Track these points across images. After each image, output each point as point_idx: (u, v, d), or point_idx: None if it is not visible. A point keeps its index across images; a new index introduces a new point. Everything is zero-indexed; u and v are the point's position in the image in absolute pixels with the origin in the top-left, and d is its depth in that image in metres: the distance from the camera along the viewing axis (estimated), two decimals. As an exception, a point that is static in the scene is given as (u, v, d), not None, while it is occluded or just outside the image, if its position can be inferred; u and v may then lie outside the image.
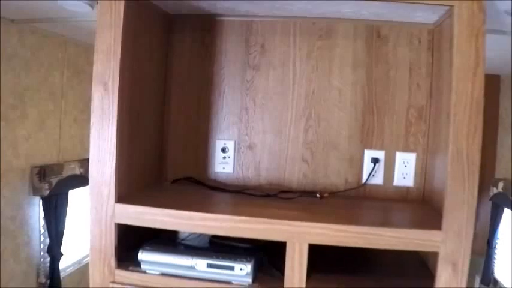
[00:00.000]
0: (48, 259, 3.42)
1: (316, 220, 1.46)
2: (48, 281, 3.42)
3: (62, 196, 3.43)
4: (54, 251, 3.38)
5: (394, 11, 1.73)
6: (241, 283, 1.50)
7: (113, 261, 1.57)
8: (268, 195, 1.82)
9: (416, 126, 1.90)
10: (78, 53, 3.69)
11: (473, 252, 4.05)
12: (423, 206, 1.81)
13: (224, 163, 1.99)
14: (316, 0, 1.66)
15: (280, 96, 1.95)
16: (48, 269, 3.43)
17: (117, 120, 1.53)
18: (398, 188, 1.93)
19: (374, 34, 1.90)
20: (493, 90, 4.18)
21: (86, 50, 3.73)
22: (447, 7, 1.49)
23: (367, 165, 1.92)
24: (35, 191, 3.23)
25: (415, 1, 1.50)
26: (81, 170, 3.58)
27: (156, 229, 1.55)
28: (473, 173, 1.41)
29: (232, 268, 1.48)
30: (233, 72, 1.98)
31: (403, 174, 1.91)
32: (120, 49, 1.51)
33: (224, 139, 2.00)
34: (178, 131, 2.03)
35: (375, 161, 1.91)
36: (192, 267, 1.51)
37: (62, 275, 3.54)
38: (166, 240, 1.65)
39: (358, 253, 1.80)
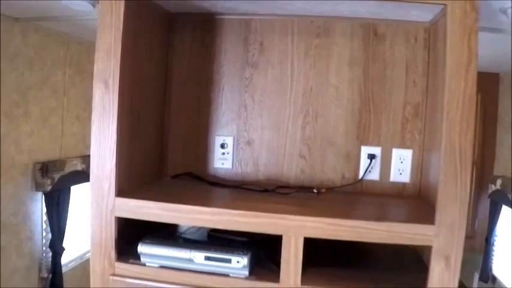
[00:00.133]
0: (50, 254, 3.46)
1: (311, 214, 1.49)
2: (50, 276, 3.46)
3: (64, 192, 3.47)
4: (56, 246, 3.41)
5: (390, 9, 1.76)
6: (238, 275, 1.53)
7: (113, 254, 1.60)
8: (266, 191, 1.85)
9: (412, 123, 1.93)
10: (80, 51, 3.72)
11: (472, 249, 4.10)
12: (419, 202, 1.84)
13: (223, 159, 2.02)
14: (314, 0, 1.69)
15: (279, 93, 1.98)
16: (50, 263, 3.46)
17: (118, 118, 1.56)
18: (394, 183, 1.96)
19: (371, 32, 1.93)
20: (492, 89, 4.20)
21: (89, 48, 3.76)
22: (442, 6, 1.51)
23: (364, 161, 1.95)
24: (38, 187, 3.26)
25: (409, 0, 1.52)
26: (83, 166, 3.62)
27: (156, 223, 1.59)
28: (465, 169, 1.43)
29: (229, 261, 1.51)
30: (232, 70, 2.01)
31: (399, 170, 1.94)
32: (120, 48, 1.54)
33: (223, 135, 2.03)
34: (178, 128, 2.06)
35: (371, 157, 1.94)
36: (190, 260, 1.54)
37: (63, 269, 3.57)
38: (165, 234, 1.68)
39: (355, 248, 1.84)
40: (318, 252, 1.71)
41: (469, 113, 1.42)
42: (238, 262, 1.51)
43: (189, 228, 1.78)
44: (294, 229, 1.48)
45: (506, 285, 4.20)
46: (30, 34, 3.13)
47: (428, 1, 1.49)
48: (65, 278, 3.56)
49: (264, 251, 1.63)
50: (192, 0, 1.81)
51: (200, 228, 1.76)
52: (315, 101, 1.96)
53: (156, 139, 2.00)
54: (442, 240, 1.44)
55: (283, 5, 1.78)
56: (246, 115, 2.01)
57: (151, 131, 1.94)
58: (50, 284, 3.46)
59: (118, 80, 1.55)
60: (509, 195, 3.69)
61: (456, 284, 1.47)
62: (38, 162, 3.27)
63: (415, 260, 1.78)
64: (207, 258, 1.53)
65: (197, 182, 1.98)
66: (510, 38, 2.49)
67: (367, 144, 1.95)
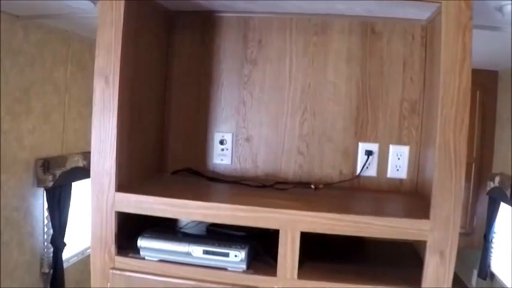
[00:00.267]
0: (52, 249, 3.48)
1: (308, 209, 1.52)
2: (52, 271, 3.48)
3: (66, 188, 3.49)
4: (57, 242, 3.43)
5: (386, 7, 1.78)
6: (235, 269, 1.55)
7: (113, 248, 1.63)
8: (264, 186, 1.87)
9: (409, 119, 1.95)
10: (82, 48, 3.74)
11: (471, 246, 4.11)
12: (415, 197, 1.86)
13: (222, 155, 2.05)
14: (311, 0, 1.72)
15: (277, 90, 2.00)
16: (51, 259, 3.49)
17: (118, 113, 1.59)
18: (391, 179, 1.98)
19: (368, 30, 1.95)
20: (491, 86, 4.22)
21: (90, 46, 3.77)
22: (438, 4, 1.53)
23: (361, 158, 1.97)
24: (39, 183, 3.28)
25: (405, -2, 1.55)
26: (85, 163, 3.64)
27: (156, 218, 1.61)
28: (460, 164, 1.45)
29: (227, 255, 1.54)
30: (231, 66, 2.03)
31: (396, 166, 1.96)
32: (120, 45, 1.57)
33: (222, 131, 2.05)
34: (178, 124, 2.08)
35: (368, 153, 1.96)
36: (189, 254, 1.56)
37: (65, 265, 3.59)
38: (165, 229, 1.70)
39: (352, 244, 1.86)
40: (315, 246, 1.73)
41: (463, 110, 1.44)
42: (236, 256, 1.53)
43: (188, 222, 1.81)
44: (290, 223, 1.50)
45: (505, 282, 4.22)
46: (32, 31, 3.15)
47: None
48: (66, 273, 3.59)
49: (261, 245, 1.65)
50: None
51: (199, 223, 1.79)
52: (313, 97, 1.98)
53: (156, 135, 2.02)
54: (436, 235, 1.47)
55: (280, 3, 1.81)
56: (245, 112, 2.03)
57: (151, 127, 1.97)
58: (51, 279, 3.48)
59: (118, 76, 1.57)
60: (508, 193, 3.71)
61: (451, 278, 1.50)
62: (39, 159, 3.29)
63: (411, 255, 1.80)
64: (206, 252, 1.56)
65: (196, 178, 2.00)
66: (508, 35, 2.50)
67: (364, 140, 1.97)
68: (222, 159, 2.05)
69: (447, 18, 1.44)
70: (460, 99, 1.44)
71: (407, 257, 1.80)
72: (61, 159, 3.45)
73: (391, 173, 1.97)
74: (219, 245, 1.56)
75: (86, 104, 3.77)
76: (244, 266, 1.55)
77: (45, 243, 3.49)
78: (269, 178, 2.01)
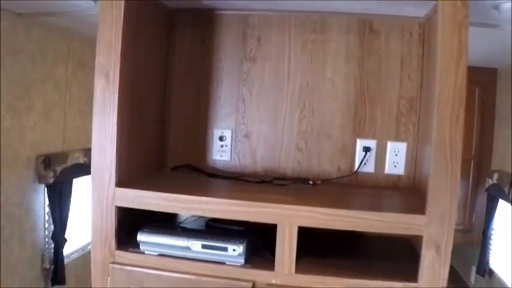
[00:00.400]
0: (53, 245, 3.50)
1: (306, 204, 1.54)
2: (53, 267, 3.50)
3: (66, 184, 3.51)
4: (58, 238, 3.45)
5: (384, 5, 1.80)
6: (234, 263, 1.58)
7: (113, 242, 1.65)
8: (263, 182, 1.89)
9: (407, 116, 1.97)
10: (83, 46, 3.75)
11: (470, 242, 4.13)
12: (413, 193, 1.88)
13: (222, 151, 2.07)
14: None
15: (276, 87, 2.02)
16: (52, 254, 3.51)
17: (118, 110, 1.60)
18: (389, 176, 2.00)
19: (366, 28, 1.97)
20: (490, 84, 4.22)
21: (91, 43, 3.76)
22: (435, 2, 1.54)
23: (359, 154, 1.99)
24: (40, 179, 3.30)
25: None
26: (85, 159, 3.66)
27: (156, 213, 1.63)
28: (456, 160, 1.47)
29: (225, 249, 1.56)
30: (230, 64, 2.05)
31: (394, 162, 1.98)
32: (120, 42, 1.59)
33: (222, 128, 2.07)
34: (178, 121, 2.10)
35: (366, 149, 1.98)
36: (188, 248, 1.58)
37: (66, 261, 3.61)
38: (164, 224, 1.72)
39: (350, 240, 1.88)
40: (312, 241, 1.75)
41: (459, 106, 1.46)
42: (234, 250, 1.55)
43: (188, 217, 1.83)
44: (288, 218, 1.52)
45: (503, 279, 4.24)
46: (34, 29, 3.17)
47: (420, -3, 1.53)
48: (66, 269, 3.60)
49: (260, 240, 1.67)
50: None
51: (198, 218, 1.81)
52: (312, 95, 2.00)
53: (156, 132, 2.04)
54: (432, 230, 1.49)
55: (279, 2, 1.83)
56: (244, 108, 2.05)
57: (151, 124, 1.99)
58: (52, 275, 3.50)
59: (118, 74, 1.59)
60: (506, 189, 3.72)
61: (446, 272, 1.52)
62: (40, 155, 3.30)
63: (408, 250, 1.81)
64: (204, 247, 1.58)
65: (196, 174, 2.02)
66: (506, 33, 2.51)
67: (362, 137, 1.99)
68: (221, 156, 2.07)
69: (443, 17, 1.46)
70: (456, 96, 1.45)
71: (405, 252, 1.81)
72: (62, 156, 3.47)
73: (388, 169, 1.99)
74: (218, 240, 1.58)
75: (86, 101, 3.79)
76: (242, 261, 1.57)
77: (46, 239, 3.51)
78: (268, 174, 2.03)
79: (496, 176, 3.98)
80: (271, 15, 2.00)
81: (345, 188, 1.96)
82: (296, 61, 2.00)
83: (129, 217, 1.70)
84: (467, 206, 4.35)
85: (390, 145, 1.98)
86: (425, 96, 1.85)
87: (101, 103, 1.61)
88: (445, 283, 1.52)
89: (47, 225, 3.51)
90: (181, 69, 2.09)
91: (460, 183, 4.00)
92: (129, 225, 1.70)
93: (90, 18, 2.92)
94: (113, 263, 1.65)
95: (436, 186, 1.48)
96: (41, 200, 3.42)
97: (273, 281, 1.55)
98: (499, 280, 4.32)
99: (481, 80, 4.19)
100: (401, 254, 1.81)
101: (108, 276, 1.65)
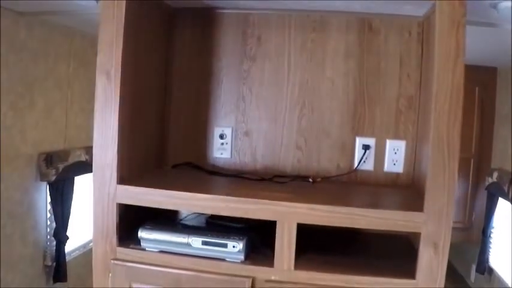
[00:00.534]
0: (55, 243, 3.51)
1: (305, 201, 1.56)
2: (54, 264, 3.52)
3: (68, 182, 3.53)
4: (60, 235, 3.47)
5: (383, 4, 1.81)
6: (233, 260, 1.59)
7: (114, 239, 1.67)
8: (263, 179, 1.91)
9: (406, 115, 1.98)
10: (84, 44, 3.76)
11: (470, 241, 4.13)
12: (411, 191, 1.89)
13: (222, 149, 2.08)
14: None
15: (276, 85, 2.04)
16: (54, 252, 3.52)
17: (119, 108, 1.62)
18: (388, 174, 2.01)
19: (366, 27, 1.98)
20: (490, 83, 4.23)
21: (92, 42, 3.78)
22: (433, 1, 1.56)
23: (359, 152, 2.01)
24: (42, 177, 3.32)
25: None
26: (87, 157, 3.67)
27: (157, 210, 1.65)
28: (453, 158, 1.48)
29: (225, 245, 1.58)
30: (231, 62, 2.07)
31: (393, 160, 1.99)
32: (122, 41, 1.60)
33: (222, 126, 2.09)
34: (178, 119, 2.12)
35: (366, 148, 1.99)
36: (188, 245, 1.60)
37: (67, 258, 3.63)
38: (165, 221, 1.74)
39: (350, 238, 1.90)
40: (312, 239, 1.76)
41: (456, 105, 1.47)
42: (234, 247, 1.57)
43: (188, 214, 1.84)
44: (287, 215, 1.54)
45: (503, 277, 4.25)
46: (35, 28, 3.18)
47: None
48: (68, 266, 3.62)
49: (259, 237, 1.69)
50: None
51: (199, 215, 1.83)
52: (311, 93, 2.02)
53: (157, 129, 2.06)
54: (430, 227, 1.50)
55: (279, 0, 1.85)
56: (244, 107, 2.06)
57: (152, 122, 2.00)
58: (53, 272, 3.52)
59: (120, 71, 1.61)
60: (506, 188, 3.73)
61: (444, 269, 1.53)
62: (42, 153, 3.32)
63: (407, 248, 1.83)
64: (205, 243, 1.59)
65: (197, 171, 2.04)
66: (506, 32, 2.52)
67: (361, 135, 2.01)
68: (221, 153, 2.09)
69: (441, 16, 1.47)
70: (454, 95, 1.47)
71: (403, 249, 1.83)
72: (64, 154, 3.48)
73: (388, 167, 2.00)
74: (218, 236, 1.60)
75: (88, 99, 3.80)
76: (242, 257, 1.59)
77: (48, 237, 3.53)
78: (268, 172, 2.04)
79: (495, 174, 3.99)
80: (271, 14, 2.02)
81: (345, 185, 1.97)
82: (296, 60, 2.02)
83: (130, 214, 1.71)
84: (467, 205, 4.36)
85: (389, 143, 1.99)
86: (424, 95, 1.86)
87: (102, 101, 1.63)
88: (442, 280, 1.53)
89: (48, 222, 3.52)
90: (182, 67, 2.10)
91: (460, 181, 4.00)
92: (130, 222, 1.71)
93: (91, 17, 2.93)
94: (114, 259, 1.67)
95: (433, 184, 1.50)
96: (43, 197, 3.44)
97: (273, 277, 1.57)
98: (498, 278, 4.33)
99: (481, 79, 4.19)
100: (400, 251, 1.83)
101: (109, 272, 1.67)
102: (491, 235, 4.40)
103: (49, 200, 3.46)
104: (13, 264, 3.12)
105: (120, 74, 1.61)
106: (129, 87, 1.69)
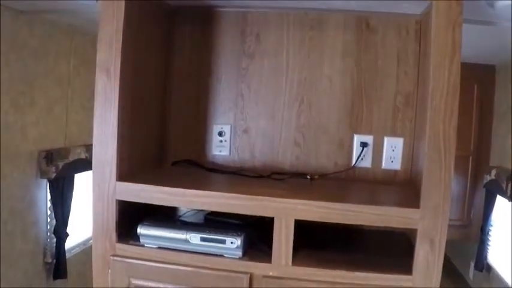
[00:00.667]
0: (55, 240, 3.53)
1: (302, 198, 1.57)
2: (54, 261, 3.54)
3: (68, 179, 3.55)
4: (60, 232, 3.49)
5: (381, 2, 1.82)
6: (232, 256, 1.61)
7: (114, 235, 1.68)
8: (261, 176, 1.92)
9: (403, 112, 1.99)
10: (85, 42, 3.78)
11: (469, 238, 4.15)
12: (409, 188, 1.90)
13: (221, 146, 2.10)
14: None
15: (274, 83, 2.05)
16: (54, 249, 3.54)
17: (119, 105, 1.64)
18: (386, 171, 2.02)
19: (363, 25, 1.99)
20: (489, 80, 4.24)
21: (93, 40, 3.77)
22: (429, 0, 1.57)
23: (356, 149, 2.02)
24: (43, 174, 3.34)
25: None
26: (87, 155, 3.69)
27: (156, 207, 1.66)
28: (449, 155, 1.49)
29: (223, 242, 1.59)
30: (229, 60, 2.08)
31: (390, 157, 2.01)
32: (121, 39, 1.62)
33: (221, 123, 2.10)
34: (178, 116, 2.13)
35: (363, 145, 2.00)
36: (187, 241, 1.62)
37: (67, 255, 3.65)
38: (164, 217, 1.76)
39: (348, 234, 1.91)
40: (310, 235, 1.78)
41: (452, 102, 1.48)
42: (232, 243, 1.59)
43: (187, 211, 1.86)
44: (285, 211, 1.55)
45: (501, 274, 4.27)
46: (36, 26, 3.20)
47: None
48: (68, 263, 3.64)
49: (257, 234, 1.70)
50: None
51: (198, 212, 1.84)
52: (309, 90, 2.03)
53: (156, 127, 2.07)
54: (426, 223, 1.51)
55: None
56: (243, 104, 2.08)
57: (152, 119, 2.02)
58: (54, 269, 3.54)
59: (119, 69, 1.62)
60: (504, 185, 3.75)
61: (440, 265, 1.54)
62: (43, 151, 3.34)
63: (405, 244, 1.83)
64: (203, 239, 1.61)
65: (196, 169, 2.05)
66: (505, 30, 2.53)
67: (359, 132, 2.02)
68: (220, 151, 2.10)
69: (437, 14, 1.48)
70: (450, 92, 1.48)
71: (401, 246, 1.83)
72: (64, 151, 3.50)
73: (385, 164, 2.02)
74: (216, 233, 1.61)
75: (88, 97, 3.81)
76: (240, 253, 1.61)
77: (48, 233, 3.55)
78: (266, 169, 2.05)
79: (494, 172, 4.00)
80: (269, 13, 2.03)
81: (343, 182, 1.99)
82: (294, 57, 2.03)
83: (129, 211, 1.73)
84: (465, 202, 4.37)
85: (387, 140, 2.01)
86: (422, 92, 1.87)
87: (102, 98, 1.64)
88: (439, 276, 1.54)
89: (49, 219, 3.54)
90: (182, 65, 2.11)
91: (458, 179, 4.02)
92: (130, 219, 1.73)
93: (92, 15, 2.93)
94: (114, 255, 1.68)
95: (430, 181, 1.51)
96: (43, 194, 3.46)
97: (270, 273, 1.58)
98: (497, 275, 4.35)
99: (479, 76, 4.20)
100: (398, 248, 1.84)
101: (108, 268, 1.68)
102: (490, 233, 4.41)
103: (49, 197, 3.48)
104: (14, 261, 3.14)
105: (119, 72, 1.62)
106: (129, 85, 1.70)
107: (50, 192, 3.44)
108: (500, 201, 4.14)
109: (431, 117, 1.49)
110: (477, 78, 4.20)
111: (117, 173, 1.65)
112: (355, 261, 1.64)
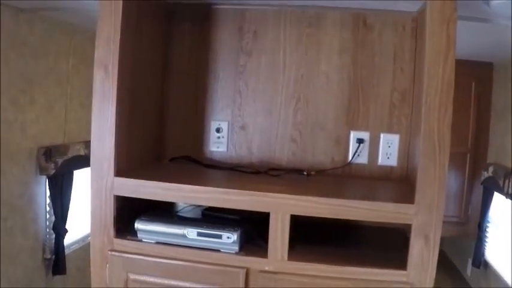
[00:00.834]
0: (54, 236, 3.54)
1: (298, 193, 1.59)
2: (53, 257, 3.55)
3: (67, 176, 3.56)
4: (59, 228, 3.49)
5: (378, 0, 1.83)
6: (228, 251, 1.62)
7: (112, 231, 1.70)
8: (258, 172, 1.94)
9: (399, 109, 2.01)
10: (84, 40, 3.78)
11: (466, 235, 4.16)
12: (405, 184, 1.92)
13: (218, 142, 2.11)
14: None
15: (271, 80, 2.06)
16: (53, 245, 3.55)
17: (117, 102, 1.65)
18: (382, 167, 2.04)
19: (360, 22, 2.00)
20: (486, 78, 4.25)
21: (93, 38, 3.77)
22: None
23: (353, 146, 2.03)
24: (42, 171, 3.34)
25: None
26: (86, 151, 3.70)
27: (154, 202, 1.68)
28: (444, 151, 1.51)
29: (220, 236, 1.61)
30: (227, 57, 2.09)
31: (387, 154, 2.02)
32: (119, 36, 1.63)
33: (218, 120, 2.11)
34: (176, 113, 2.15)
35: (360, 141, 2.02)
36: (184, 236, 1.63)
37: (66, 251, 3.65)
38: (162, 212, 1.77)
39: (345, 230, 1.92)
40: (307, 231, 1.79)
41: (447, 99, 1.50)
42: (228, 238, 1.60)
43: (185, 207, 1.87)
44: (280, 206, 1.57)
45: (498, 271, 4.28)
46: (36, 24, 3.21)
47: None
48: (67, 259, 3.65)
49: (254, 229, 1.72)
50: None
51: (195, 207, 1.85)
52: (306, 87, 2.04)
53: (154, 123, 2.08)
54: (421, 219, 1.53)
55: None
56: (240, 101, 2.09)
57: (150, 116, 2.03)
58: (53, 265, 3.55)
59: (117, 66, 1.64)
60: (501, 182, 3.76)
61: (435, 260, 1.55)
62: (42, 147, 3.34)
63: (400, 240, 1.85)
64: (200, 234, 1.62)
65: (194, 165, 2.07)
66: (503, 27, 2.53)
67: (356, 129, 2.03)
68: (218, 147, 2.12)
69: (432, 11, 1.49)
70: (444, 89, 1.49)
71: (397, 242, 1.85)
72: (63, 148, 3.51)
73: (381, 160, 2.03)
74: (213, 228, 1.63)
75: (87, 94, 3.79)
76: (236, 248, 1.62)
77: (48, 230, 3.56)
78: (263, 165, 2.07)
79: (491, 169, 4.01)
80: (267, 10, 2.04)
81: (339, 178, 2.00)
82: (291, 54, 2.04)
83: (129, 206, 1.74)
84: (463, 199, 4.38)
85: (383, 137, 2.02)
86: (418, 89, 1.88)
87: (100, 94, 1.66)
88: (433, 271, 1.56)
89: (48, 216, 3.55)
90: (180, 62, 2.13)
91: (456, 176, 4.02)
92: (127, 214, 1.74)
93: (92, 13, 2.94)
94: (112, 250, 1.70)
95: (424, 176, 1.52)
96: (43, 191, 3.47)
97: (266, 268, 1.60)
98: (494, 272, 4.36)
99: (477, 73, 4.21)
100: (394, 244, 1.85)
101: (106, 263, 1.70)
102: (487, 229, 4.43)
103: (48, 193, 3.49)
104: (13, 257, 3.15)
105: (117, 69, 1.64)
106: (127, 82, 1.72)
107: (49, 188, 3.45)
108: (497, 198, 4.15)
109: (426, 113, 1.51)
110: (475, 75, 4.21)
111: (114, 169, 1.67)
112: (351, 256, 1.65)
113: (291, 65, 2.05)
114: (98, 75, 1.66)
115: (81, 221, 3.97)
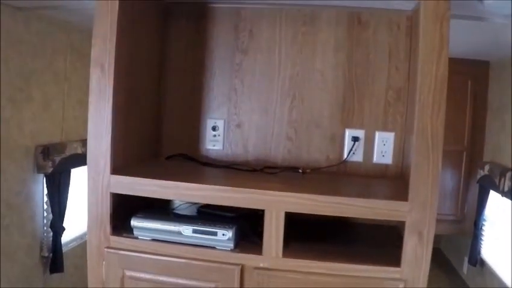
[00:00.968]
0: (51, 234, 3.55)
1: (293, 191, 1.60)
2: (51, 255, 3.56)
3: (65, 174, 3.56)
4: (56, 226, 3.50)
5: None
6: (223, 248, 1.64)
7: (108, 228, 1.71)
8: (254, 170, 1.95)
9: (394, 107, 2.02)
10: (81, 38, 3.79)
11: (463, 233, 4.17)
12: (400, 182, 1.93)
13: (214, 140, 2.12)
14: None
15: (267, 78, 2.08)
16: (51, 243, 3.56)
17: (113, 100, 1.66)
18: (377, 165, 2.05)
19: (355, 20, 2.02)
20: (483, 76, 4.26)
21: (90, 36, 3.77)
22: (418, -2, 1.59)
23: (348, 144, 2.05)
24: (39, 169, 3.35)
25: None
26: (83, 150, 3.71)
27: (150, 200, 1.69)
28: (437, 149, 1.52)
29: (215, 234, 1.62)
30: (223, 55, 2.10)
31: (382, 152, 2.03)
32: (116, 34, 1.64)
33: (214, 118, 2.12)
34: (172, 111, 2.16)
35: (355, 139, 2.03)
36: (179, 233, 1.65)
37: (64, 249, 3.66)
38: (158, 210, 1.78)
39: (340, 228, 1.94)
40: (302, 228, 1.80)
41: (440, 96, 1.51)
42: (223, 235, 1.61)
43: (181, 204, 1.88)
44: (275, 204, 1.58)
45: (495, 269, 4.30)
46: (33, 22, 3.21)
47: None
48: (65, 257, 3.66)
49: (249, 226, 1.73)
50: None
51: (191, 205, 1.87)
52: (302, 85, 2.06)
53: (151, 121, 2.09)
54: (414, 216, 1.54)
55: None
56: (236, 99, 2.10)
57: (146, 114, 2.04)
58: (50, 263, 3.56)
59: (113, 64, 1.65)
60: (497, 181, 3.77)
61: (429, 257, 1.57)
62: (39, 145, 3.35)
63: (395, 238, 1.86)
64: (195, 231, 1.64)
65: (190, 163, 2.08)
66: (499, 26, 2.54)
67: (351, 127, 2.05)
68: (214, 145, 2.13)
69: (425, 9, 1.50)
70: (437, 87, 1.51)
71: (391, 239, 1.86)
72: (60, 146, 3.52)
73: (377, 158, 2.04)
74: (208, 225, 1.64)
75: (85, 92, 3.78)
76: (231, 245, 1.63)
77: (45, 228, 3.57)
78: (259, 163, 2.08)
79: (487, 167, 4.02)
80: (262, 8, 2.05)
81: (334, 176, 2.01)
82: (287, 53, 2.06)
83: (125, 203, 1.76)
84: (459, 197, 4.39)
85: (378, 135, 2.03)
86: (412, 87, 1.89)
87: (97, 92, 1.67)
88: (427, 268, 1.57)
89: (45, 214, 3.56)
90: (176, 60, 2.14)
91: (452, 174, 4.03)
92: (124, 212, 1.75)
93: (89, 12, 2.95)
94: (108, 247, 1.71)
95: (417, 174, 1.54)
96: (40, 189, 3.48)
97: (261, 265, 1.61)
98: (490, 270, 4.38)
99: (473, 72, 4.22)
100: (389, 241, 1.86)
101: (103, 260, 1.71)
102: (483, 227, 4.44)
103: (46, 191, 3.50)
104: (11, 255, 3.16)
105: (113, 67, 1.65)
106: (123, 80, 1.73)
107: (46, 186, 3.45)
108: (493, 196, 4.17)
109: (419, 111, 1.52)
110: (471, 74, 4.22)
111: (111, 166, 1.68)
112: (345, 253, 1.66)
113: (286, 63, 2.06)
114: (95, 74, 1.67)
115: (79, 219, 3.98)
